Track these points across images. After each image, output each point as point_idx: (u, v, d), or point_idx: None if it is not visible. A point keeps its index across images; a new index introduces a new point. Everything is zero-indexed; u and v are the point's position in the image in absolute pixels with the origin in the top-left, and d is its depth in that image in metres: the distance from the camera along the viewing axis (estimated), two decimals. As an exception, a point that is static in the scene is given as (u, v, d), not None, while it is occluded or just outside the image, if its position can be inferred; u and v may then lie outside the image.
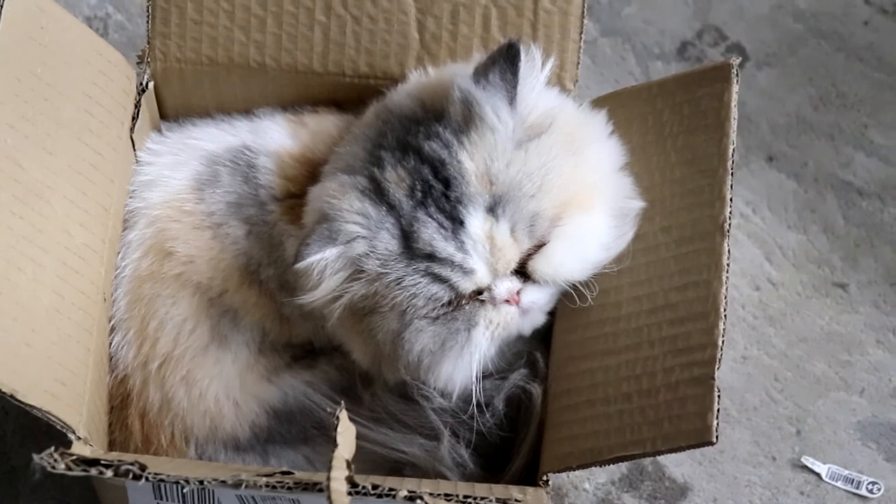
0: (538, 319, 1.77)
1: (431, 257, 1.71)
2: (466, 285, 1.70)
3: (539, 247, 1.71)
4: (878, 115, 2.18)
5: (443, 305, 1.73)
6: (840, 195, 2.14)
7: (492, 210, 1.71)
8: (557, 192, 1.72)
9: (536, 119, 1.74)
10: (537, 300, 1.75)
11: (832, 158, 2.16)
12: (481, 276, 1.70)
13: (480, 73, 1.72)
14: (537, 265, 1.72)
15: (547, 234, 1.71)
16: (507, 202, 1.71)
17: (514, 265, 1.71)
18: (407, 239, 1.72)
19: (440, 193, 1.72)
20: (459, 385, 1.76)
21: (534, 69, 1.73)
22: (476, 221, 1.70)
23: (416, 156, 1.74)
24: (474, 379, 1.75)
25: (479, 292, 1.72)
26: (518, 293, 1.73)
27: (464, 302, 1.73)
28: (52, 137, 1.73)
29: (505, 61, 1.71)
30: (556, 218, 1.72)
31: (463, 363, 1.75)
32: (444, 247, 1.71)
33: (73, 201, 1.74)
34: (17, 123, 1.68)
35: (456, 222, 1.71)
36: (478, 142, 1.72)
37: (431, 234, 1.71)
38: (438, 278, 1.71)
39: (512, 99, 1.72)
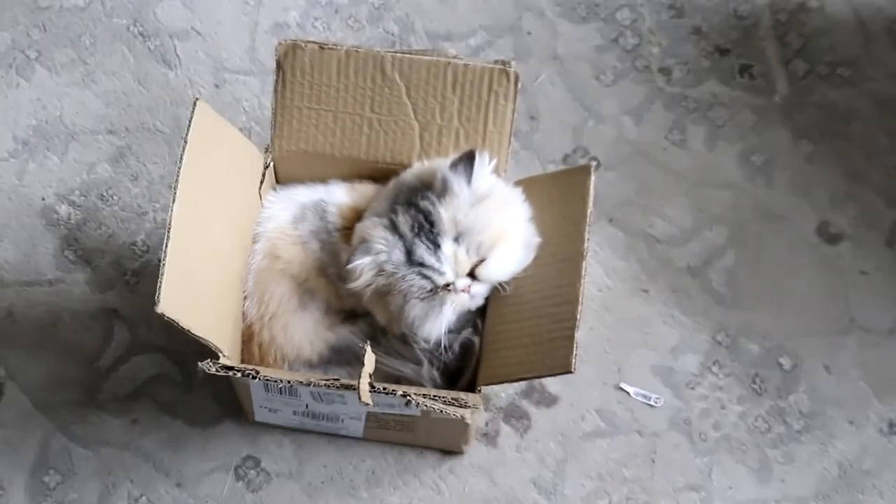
0: (479, 301, 1.89)
1: (422, 265, 1.83)
2: (440, 281, 1.83)
3: (481, 261, 1.84)
4: (671, 200, 2.19)
5: (427, 292, 1.84)
6: (647, 241, 2.16)
7: (456, 240, 1.82)
8: (492, 231, 1.83)
9: (483, 191, 1.83)
10: (479, 291, 1.86)
11: (642, 221, 2.18)
12: (449, 276, 1.83)
13: (454, 164, 1.83)
14: (480, 271, 1.84)
15: (486, 254, 1.83)
16: (464, 236, 1.82)
17: (467, 271, 1.84)
18: (409, 254, 1.83)
19: (428, 230, 1.82)
20: (435, 336, 1.87)
21: (484, 164, 1.83)
22: (447, 246, 1.82)
23: (415, 208, 1.84)
24: (443, 333, 1.87)
25: (447, 285, 1.83)
26: (469, 287, 1.85)
27: (439, 290, 1.84)
28: (218, 192, 1.84)
29: (468, 159, 1.82)
30: (491, 245, 1.83)
31: (437, 324, 1.86)
32: (429, 259, 1.82)
33: (227, 227, 1.87)
34: (202, 184, 1.78)
35: (436, 246, 1.82)
36: (449, 202, 1.83)
37: (422, 252, 1.82)
38: (425, 276, 1.83)
39: (469, 180, 1.82)
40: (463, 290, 1.86)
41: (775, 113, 2.28)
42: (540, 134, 2.27)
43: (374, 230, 1.87)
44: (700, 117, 2.28)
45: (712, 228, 2.20)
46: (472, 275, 1.87)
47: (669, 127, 2.28)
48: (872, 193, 2.22)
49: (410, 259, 1.85)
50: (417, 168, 1.95)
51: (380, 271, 1.86)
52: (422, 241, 1.84)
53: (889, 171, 2.24)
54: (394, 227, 1.86)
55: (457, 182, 1.84)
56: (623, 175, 2.24)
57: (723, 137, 2.27)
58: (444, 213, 1.84)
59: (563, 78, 2.30)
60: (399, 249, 1.85)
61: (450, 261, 1.85)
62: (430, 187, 1.87)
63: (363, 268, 1.86)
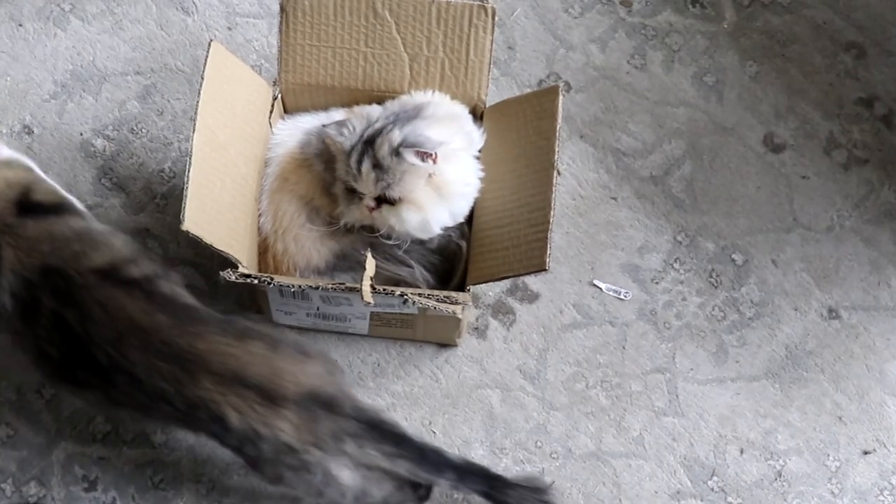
0: (390, 226, 1.83)
1: (348, 160, 1.79)
2: (353, 184, 1.81)
3: (388, 200, 1.80)
4: (634, 118, 2.16)
5: (347, 188, 1.82)
6: (614, 155, 2.14)
7: (376, 167, 1.78)
8: (403, 188, 1.78)
9: (418, 161, 1.78)
10: (383, 221, 1.82)
11: (609, 137, 2.15)
12: (360, 187, 1.80)
13: (420, 145, 1.76)
14: (384, 208, 1.81)
15: (392, 198, 1.80)
16: (381, 170, 1.78)
17: (374, 196, 1.80)
18: (351, 149, 1.80)
19: (371, 143, 1.78)
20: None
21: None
22: (366, 164, 1.79)
23: (383, 127, 1.81)
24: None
25: (359, 194, 1.81)
26: (373, 208, 1.81)
27: (355, 193, 1.82)
28: (232, 123, 1.82)
29: (426, 155, 1.77)
30: (397, 198, 1.80)
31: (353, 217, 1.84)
32: (353, 162, 1.79)
33: (242, 153, 1.84)
34: (218, 116, 1.78)
35: (362, 156, 1.79)
36: (384, 141, 1.78)
37: (355, 154, 1.79)
38: (348, 173, 1.80)
39: (415, 161, 1.77)
40: (367, 207, 1.83)
41: (724, 38, 2.25)
42: (517, 62, 2.24)
43: (355, 121, 1.85)
44: (658, 44, 2.25)
45: (671, 142, 2.18)
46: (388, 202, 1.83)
47: (631, 53, 2.25)
48: (810, 107, 2.20)
49: (349, 153, 1.82)
50: (406, 98, 1.92)
51: (328, 146, 1.85)
52: (361, 147, 1.81)
53: (824, 87, 2.21)
54: (364, 129, 1.83)
55: (407, 153, 1.78)
56: (591, 97, 2.21)
57: (678, 61, 2.24)
58: (379, 140, 1.80)
59: (536, 11, 2.27)
60: (350, 142, 1.82)
61: (362, 177, 1.81)
62: (407, 111, 1.84)
63: (327, 134, 1.84)
